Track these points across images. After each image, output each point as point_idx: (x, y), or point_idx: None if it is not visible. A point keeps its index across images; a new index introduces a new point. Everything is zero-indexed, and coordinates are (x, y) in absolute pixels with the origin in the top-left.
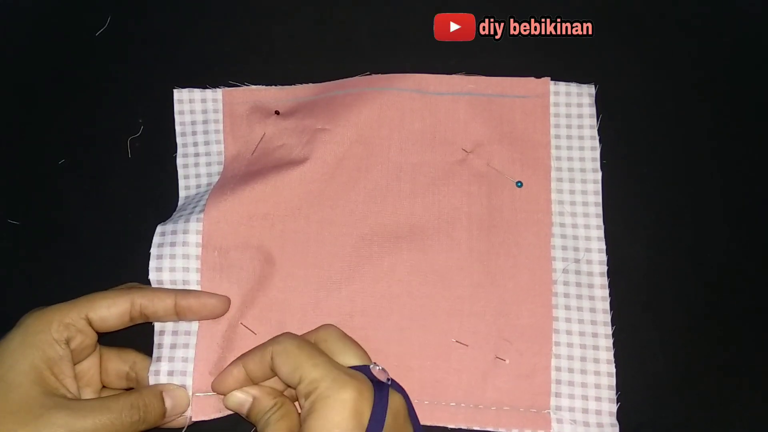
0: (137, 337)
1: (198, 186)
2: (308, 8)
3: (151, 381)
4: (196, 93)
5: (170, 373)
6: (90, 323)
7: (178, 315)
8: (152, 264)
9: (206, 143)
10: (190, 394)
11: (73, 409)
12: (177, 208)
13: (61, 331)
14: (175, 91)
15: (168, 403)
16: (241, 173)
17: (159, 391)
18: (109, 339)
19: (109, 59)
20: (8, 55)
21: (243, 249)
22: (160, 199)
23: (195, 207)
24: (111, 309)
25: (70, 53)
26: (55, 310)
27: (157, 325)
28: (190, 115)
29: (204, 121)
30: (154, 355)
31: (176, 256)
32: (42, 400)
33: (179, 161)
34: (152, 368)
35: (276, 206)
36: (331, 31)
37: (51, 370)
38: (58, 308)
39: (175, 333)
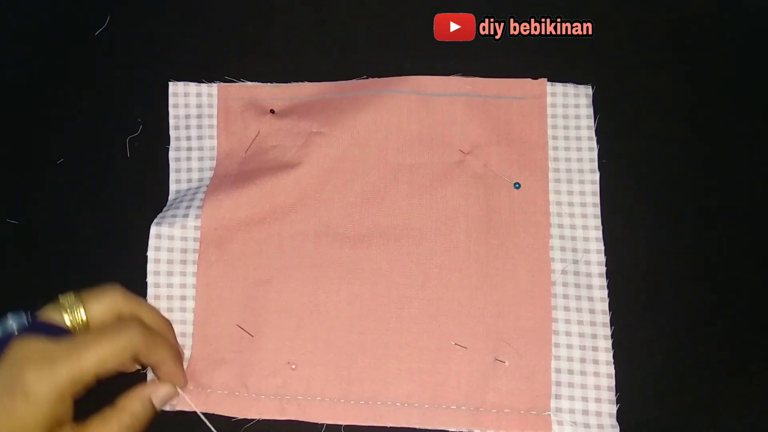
0: None
1: (189, 180)
2: (308, 7)
3: (148, 377)
4: (192, 87)
5: None
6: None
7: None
8: (150, 268)
9: (199, 138)
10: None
11: None
12: (168, 203)
13: (70, 393)
14: (170, 84)
15: (157, 404)
16: (234, 172)
17: (147, 397)
18: None
19: (109, 59)
20: (8, 55)
21: (240, 253)
22: (159, 199)
23: (189, 207)
24: (118, 366)
25: (70, 53)
26: (62, 374)
27: None
28: (185, 109)
29: (198, 115)
30: None
31: (174, 261)
32: None
33: (171, 154)
34: (149, 375)
35: (273, 210)
36: (331, 31)
37: (59, 423)
38: (67, 371)
39: None
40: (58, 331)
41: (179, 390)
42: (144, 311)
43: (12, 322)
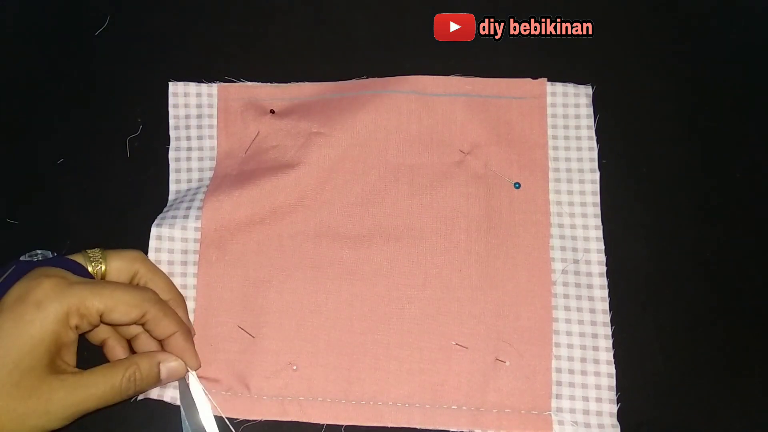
0: None
1: (189, 180)
2: (308, 8)
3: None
4: (192, 87)
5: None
6: (101, 317)
7: (164, 344)
8: None
9: (199, 138)
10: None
11: (73, 385)
12: (168, 203)
13: (76, 320)
14: (170, 84)
15: (163, 374)
16: (234, 173)
17: (157, 361)
18: None
19: (109, 59)
20: (8, 55)
21: (240, 253)
22: (159, 199)
23: (189, 208)
24: (124, 318)
25: (70, 53)
26: (74, 295)
27: None
28: (185, 109)
29: (198, 115)
30: None
31: (174, 263)
32: (45, 378)
33: (171, 155)
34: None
35: (273, 211)
36: (331, 31)
37: (58, 352)
38: (78, 293)
39: None
40: (81, 271)
41: (191, 371)
42: (160, 279)
43: (39, 253)
